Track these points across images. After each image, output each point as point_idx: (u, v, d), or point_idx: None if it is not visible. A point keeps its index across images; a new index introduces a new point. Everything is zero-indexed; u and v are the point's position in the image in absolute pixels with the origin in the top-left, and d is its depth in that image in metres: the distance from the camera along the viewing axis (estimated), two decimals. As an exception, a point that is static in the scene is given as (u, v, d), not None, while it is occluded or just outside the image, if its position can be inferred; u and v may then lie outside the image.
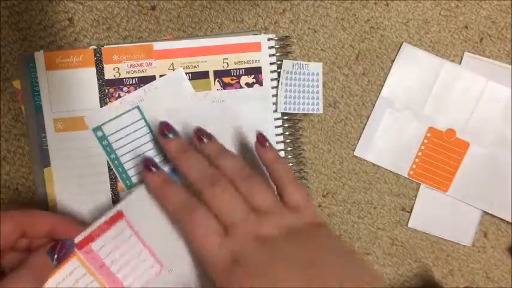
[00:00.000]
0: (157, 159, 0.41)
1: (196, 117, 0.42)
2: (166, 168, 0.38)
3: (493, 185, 0.45)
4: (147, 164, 0.36)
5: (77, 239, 0.35)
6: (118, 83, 0.41)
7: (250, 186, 0.35)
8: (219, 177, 0.35)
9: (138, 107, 0.41)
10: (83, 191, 0.41)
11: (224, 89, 0.42)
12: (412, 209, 0.45)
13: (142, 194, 0.37)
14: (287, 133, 0.43)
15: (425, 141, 0.45)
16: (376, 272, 0.32)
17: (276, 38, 0.43)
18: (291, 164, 0.44)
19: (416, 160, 0.45)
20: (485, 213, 0.45)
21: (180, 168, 0.36)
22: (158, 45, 0.42)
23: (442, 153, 0.45)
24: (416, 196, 0.45)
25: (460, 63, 0.45)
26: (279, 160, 0.37)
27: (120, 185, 0.41)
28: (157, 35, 0.43)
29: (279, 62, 0.43)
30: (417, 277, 0.46)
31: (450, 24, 0.45)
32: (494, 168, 0.45)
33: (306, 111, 0.44)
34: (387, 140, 0.45)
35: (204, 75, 0.42)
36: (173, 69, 0.42)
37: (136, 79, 0.41)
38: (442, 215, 0.45)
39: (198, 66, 0.42)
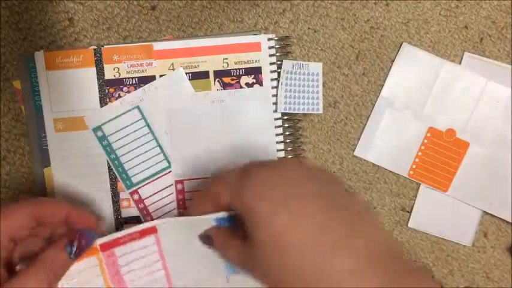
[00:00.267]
0: (157, 159, 0.41)
1: (196, 117, 0.42)
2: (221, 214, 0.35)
3: (493, 185, 0.45)
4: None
5: (103, 240, 0.34)
6: (118, 83, 0.41)
7: None
8: None
9: (138, 107, 0.41)
10: (83, 191, 0.41)
11: (224, 89, 0.42)
12: (412, 209, 0.45)
13: (182, 222, 0.35)
14: (287, 133, 0.43)
15: (425, 141, 0.45)
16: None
17: (276, 38, 0.43)
18: (291, 164, 0.44)
19: (416, 160, 0.45)
20: (485, 213, 0.45)
21: None
22: (158, 45, 0.41)
23: (442, 153, 0.45)
24: (416, 196, 0.45)
25: (460, 63, 0.45)
26: None
27: (120, 185, 0.41)
28: (157, 35, 0.43)
29: (279, 62, 0.43)
30: (417, 277, 0.46)
31: (450, 24, 0.45)
32: (494, 168, 0.45)
33: (306, 111, 0.44)
34: (387, 140, 0.45)
35: (204, 75, 0.42)
36: (173, 69, 0.42)
37: (136, 79, 0.41)
38: (442, 215, 0.45)
39: (198, 66, 0.42)
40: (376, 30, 0.45)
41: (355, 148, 0.45)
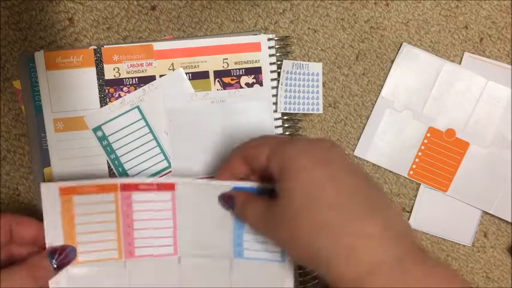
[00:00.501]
0: (157, 159, 0.41)
1: (196, 117, 0.42)
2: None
3: (493, 185, 0.45)
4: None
5: (124, 181, 0.36)
6: (118, 83, 0.41)
7: None
8: None
9: (138, 107, 0.41)
10: (83, 191, 0.41)
11: (224, 89, 0.42)
12: (412, 209, 0.45)
13: (201, 186, 0.36)
14: (287, 133, 0.43)
15: (425, 141, 0.45)
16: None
17: (276, 38, 0.43)
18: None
19: (416, 160, 0.45)
20: (485, 213, 0.45)
21: None
22: (158, 45, 0.42)
23: (442, 153, 0.45)
24: (416, 196, 0.45)
25: (460, 63, 0.45)
26: None
27: (120, 185, 0.41)
28: (157, 35, 0.43)
29: (279, 62, 0.43)
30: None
31: (450, 24, 0.45)
32: (494, 168, 0.45)
33: (306, 111, 0.44)
34: (387, 140, 0.45)
35: (204, 75, 0.42)
36: (173, 69, 0.42)
37: (136, 79, 0.41)
38: (442, 215, 0.45)
39: (198, 66, 0.42)
40: (376, 30, 0.45)
41: (355, 148, 0.45)
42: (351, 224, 0.28)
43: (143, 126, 0.41)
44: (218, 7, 0.43)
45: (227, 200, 0.35)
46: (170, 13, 0.43)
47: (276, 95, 0.43)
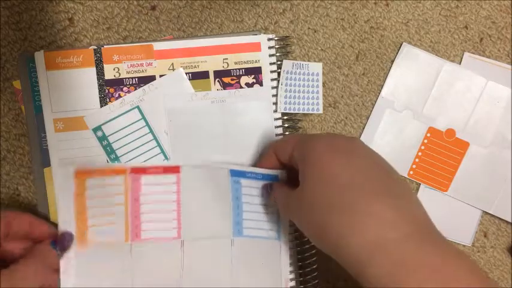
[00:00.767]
0: (157, 159, 0.41)
1: (196, 117, 0.42)
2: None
3: (493, 185, 0.45)
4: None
5: (134, 165, 0.38)
6: (118, 83, 0.41)
7: None
8: None
9: (138, 107, 0.41)
10: (83, 191, 0.41)
11: (224, 89, 0.42)
12: (412, 209, 0.45)
13: (204, 169, 0.39)
14: (287, 133, 0.43)
15: (425, 141, 0.45)
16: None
17: (276, 38, 0.43)
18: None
19: (416, 160, 0.45)
20: (485, 213, 0.45)
21: None
22: (158, 45, 0.41)
23: (442, 153, 0.45)
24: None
25: (460, 63, 0.45)
26: None
27: (120, 185, 0.41)
28: (157, 35, 0.43)
29: (279, 62, 0.43)
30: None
31: (450, 24, 0.45)
32: (494, 168, 0.45)
33: (306, 111, 0.44)
34: (387, 140, 0.45)
35: (204, 75, 0.42)
36: (173, 69, 0.42)
37: (136, 79, 0.41)
38: (442, 215, 0.45)
39: (198, 66, 0.42)
40: (376, 30, 0.45)
41: (355, 148, 0.45)
42: (362, 204, 0.29)
43: (143, 126, 0.41)
44: (218, 7, 0.43)
45: (265, 188, 0.39)
46: (170, 13, 0.43)
47: (276, 95, 0.43)
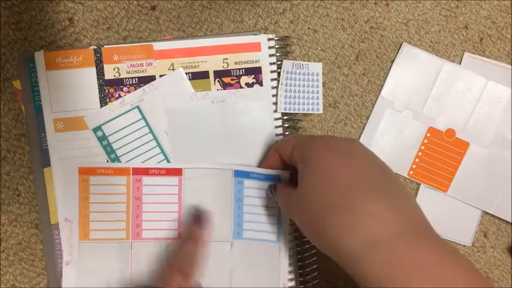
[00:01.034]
0: (157, 159, 0.41)
1: (196, 117, 0.42)
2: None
3: (493, 185, 0.45)
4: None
5: (136, 166, 0.40)
6: (118, 83, 0.41)
7: None
8: None
9: (138, 107, 0.41)
10: (83, 191, 0.41)
11: (224, 89, 0.42)
12: (412, 209, 0.45)
13: (206, 171, 0.40)
14: (287, 133, 0.43)
15: (425, 141, 0.45)
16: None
17: (276, 38, 0.43)
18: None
19: (416, 160, 0.45)
20: (485, 213, 0.45)
21: None
22: (158, 45, 0.41)
23: (442, 153, 0.45)
24: (416, 196, 0.45)
25: (460, 63, 0.45)
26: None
27: (120, 185, 0.41)
28: (157, 35, 0.43)
29: (279, 62, 0.43)
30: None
31: (450, 24, 0.45)
32: (494, 168, 0.45)
33: (306, 111, 0.44)
34: (387, 140, 0.45)
35: (204, 75, 0.42)
36: (173, 69, 0.42)
37: (136, 79, 0.41)
38: (442, 215, 0.45)
39: (198, 66, 0.42)
40: (376, 30, 0.45)
41: (355, 148, 0.45)
42: (358, 203, 0.29)
43: (143, 126, 0.41)
44: (218, 7, 0.43)
45: (269, 189, 0.40)
46: (170, 13, 0.43)
47: (276, 95, 0.43)
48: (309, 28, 0.44)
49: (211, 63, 0.42)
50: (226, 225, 0.39)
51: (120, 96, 0.41)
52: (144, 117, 0.41)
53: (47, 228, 0.40)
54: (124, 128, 0.41)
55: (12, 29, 0.41)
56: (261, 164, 0.41)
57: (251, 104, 0.42)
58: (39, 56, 0.40)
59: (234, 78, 0.42)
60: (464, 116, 0.45)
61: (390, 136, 0.45)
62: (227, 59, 0.42)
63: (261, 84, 0.43)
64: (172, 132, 0.41)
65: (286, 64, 0.43)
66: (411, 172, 0.45)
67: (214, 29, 0.43)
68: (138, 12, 0.43)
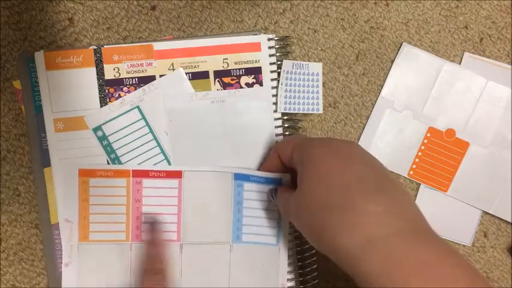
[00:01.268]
0: (157, 159, 0.41)
1: (196, 117, 0.42)
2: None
3: (493, 185, 0.45)
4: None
5: (136, 168, 0.40)
6: (118, 83, 0.41)
7: None
8: None
9: (138, 107, 0.41)
10: (83, 191, 0.41)
11: (224, 89, 0.42)
12: (412, 209, 0.45)
13: (206, 174, 0.40)
14: (287, 133, 0.43)
15: (425, 141, 0.45)
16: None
17: (276, 38, 0.43)
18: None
19: (416, 160, 0.45)
20: (485, 213, 0.45)
21: None
22: (158, 45, 0.41)
23: (442, 153, 0.45)
24: (416, 196, 0.45)
25: (460, 63, 0.45)
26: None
27: (120, 185, 0.41)
28: (157, 35, 0.43)
29: (279, 62, 0.43)
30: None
31: (450, 24, 0.45)
32: (494, 168, 0.45)
33: (306, 111, 0.44)
34: (387, 140, 0.45)
35: (204, 75, 0.42)
36: (173, 69, 0.42)
37: (137, 79, 0.41)
38: (442, 215, 0.45)
39: (198, 66, 0.42)
40: (376, 30, 0.45)
41: (355, 148, 0.45)
42: (357, 204, 0.29)
43: (143, 126, 0.41)
44: (218, 7, 0.43)
45: (270, 193, 0.40)
46: (170, 13, 0.43)
47: (276, 95, 0.43)
48: (309, 28, 0.44)
49: (211, 63, 0.42)
50: (226, 229, 0.39)
51: (120, 96, 0.41)
52: (144, 117, 0.41)
53: (47, 228, 0.40)
54: (124, 128, 0.41)
55: (12, 29, 0.41)
56: (261, 166, 0.41)
57: (251, 104, 0.42)
58: (39, 56, 0.40)
59: (234, 78, 0.42)
60: (464, 116, 0.45)
61: (390, 136, 0.45)
62: (227, 59, 0.42)
63: (261, 84, 0.43)
64: (172, 132, 0.41)
65: (286, 64, 0.43)
66: (411, 172, 0.45)
67: (214, 29, 0.43)
68: (138, 12, 0.43)
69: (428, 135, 0.45)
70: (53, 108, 0.40)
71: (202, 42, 0.42)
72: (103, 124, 0.41)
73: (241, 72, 0.42)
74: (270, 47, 0.43)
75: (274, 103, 0.43)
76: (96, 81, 0.41)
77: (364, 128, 0.45)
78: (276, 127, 0.43)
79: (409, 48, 0.45)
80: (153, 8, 0.43)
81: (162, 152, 0.41)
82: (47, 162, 0.40)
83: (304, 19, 0.44)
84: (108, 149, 0.41)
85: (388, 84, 0.45)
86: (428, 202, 0.45)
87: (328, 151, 0.33)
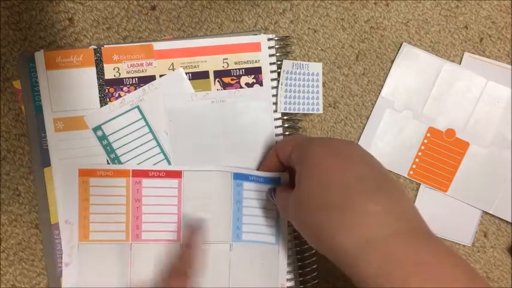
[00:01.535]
0: (157, 159, 0.41)
1: (196, 117, 0.42)
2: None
3: (493, 185, 0.45)
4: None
5: (136, 168, 0.40)
6: (118, 83, 0.41)
7: None
8: None
9: (138, 107, 0.41)
10: (83, 191, 0.41)
11: (224, 89, 0.42)
12: (412, 209, 0.45)
13: (206, 174, 0.40)
14: (287, 133, 0.43)
15: (425, 141, 0.45)
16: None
17: (276, 38, 0.43)
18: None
19: (416, 160, 0.45)
20: (485, 213, 0.45)
21: None
22: (158, 45, 0.42)
23: (442, 153, 0.45)
24: (416, 196, 0.45)
25: (460, 63, 0.45)
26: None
27: (120, 184, 0.41)
28: (157, 35, 0.43)
29: (279, 62, 0.43)
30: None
31: (450, 24, 0.45)
32: (494, 168, 0.45)
33: (306, 111, 0.44)
34: (387, 140, 0.45)
35: (204, 75, 0.42)
36: (173, 69, 0.42)
37: (136, 79, 0.41)
38: (442, 215, 0.45)
39: (198, 66, 0.42)
40: (376, 30, 0.45)
41: (355, 148, 0.45)
42: (356, 204, 0.29)
43: (143, 126, 0.41)
44: (218, 7, 0.43)
45: (269, 193, 0.40)
46: (170, 13, 0.43)
47: (276, 95, 0.43)
48: (309, 28, 0.44)
49: (211, 63, 0.42)
50: (226, 228, 0.39)
51: (120, 96, 0.41)
52: (144, 117, 0.41)
53: (47, 228, 0.40)
54: (124, 127, 0.41)
55: (12, 29, 0.41)
56: (260, 165, 0.41)
57: (251, 104, 0.42)
58: (39, 56, 0.40)
59: (234, 78, 0.42)
60: (464, 116, 0.45)
61: (390, 136, 0.45)
62: (227, 59, 0.42)
63: (261, 84, 0.43)
64: (172, 132, 0.41)
65: (286, 64, 0.43)
66: (411, 172, 0.45)
67: (214, 29, 0.43)
68: (138, 12, 0.43)
69: (428, 135, 0.45)
70: (53, 108, 0.40)
71: (202, 42, 0.42)
72: (103, 124, 0.41)
73: (241, 72, 0.42)
74: (270, 47, 0.43)
75: (274, 103, 0.43)
76: (96, 81, 0.41)
77: (364, 128, 0.45)
78: (276, 127, 0.43)
79: (409, 48, 0.45)
80: (153, 8, 0.43)
81: (162, 151, 0.41)
82: (47, 162, 0.40)
83: (304, 19, 0.44)
84: (108, 149, 0.41)
85: (388, 84, 0.45)
86: (428, 202, 0.45)
87: (328, 151, 0.33)
